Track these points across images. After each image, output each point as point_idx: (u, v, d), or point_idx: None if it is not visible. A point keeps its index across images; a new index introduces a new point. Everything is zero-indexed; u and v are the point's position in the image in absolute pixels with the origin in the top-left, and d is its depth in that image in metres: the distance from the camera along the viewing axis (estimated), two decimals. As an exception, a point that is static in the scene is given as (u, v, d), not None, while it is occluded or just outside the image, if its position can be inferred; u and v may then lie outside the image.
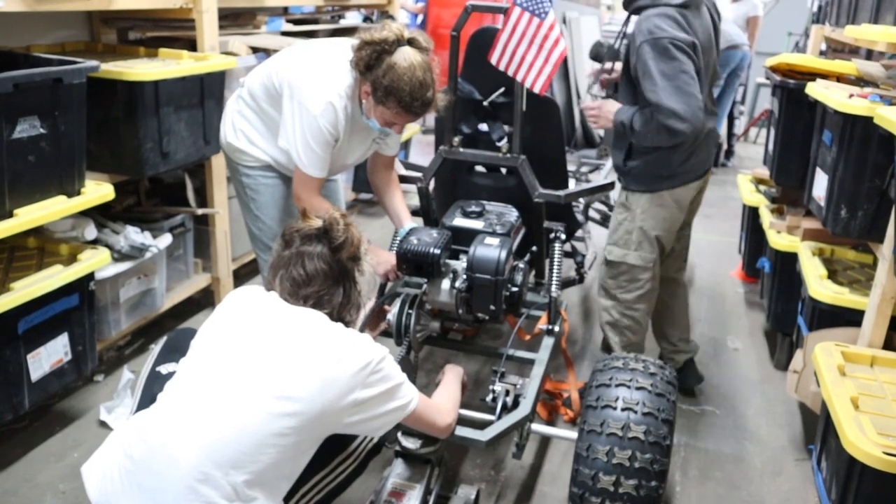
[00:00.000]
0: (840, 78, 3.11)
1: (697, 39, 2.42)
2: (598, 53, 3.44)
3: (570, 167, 3.50)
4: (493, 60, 2.41)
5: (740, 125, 7.87)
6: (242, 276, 3.90)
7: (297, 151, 2.31)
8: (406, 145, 5.36)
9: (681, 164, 2.58)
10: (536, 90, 2.34)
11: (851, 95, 2.49)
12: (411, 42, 2.19)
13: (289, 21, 4.14)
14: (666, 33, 2.35)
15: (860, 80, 3.00)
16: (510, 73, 2.37)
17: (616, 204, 2.76)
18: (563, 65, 6.76)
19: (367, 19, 7.04)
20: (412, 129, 5.37)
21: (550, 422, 2.80)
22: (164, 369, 1.89)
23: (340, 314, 1.72)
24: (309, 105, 2.25)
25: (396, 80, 2.14)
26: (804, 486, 2.57)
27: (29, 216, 2.29)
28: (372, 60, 2.16)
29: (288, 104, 2.31)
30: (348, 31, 4.72)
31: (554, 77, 6.08)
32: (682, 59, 2.34)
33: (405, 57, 2.15)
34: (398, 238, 2.56)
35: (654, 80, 2.36)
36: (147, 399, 1.73)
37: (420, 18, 8.80)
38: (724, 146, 7.09)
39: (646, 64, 2.37)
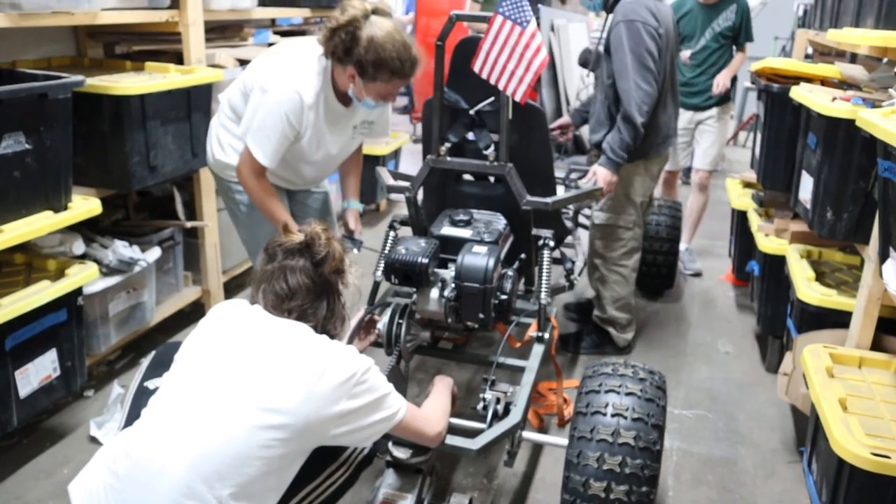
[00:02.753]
0: (824, 81, 3.13)
1: (663, 27, 2.92)
2: (586, 60, 3.46)
3: (560, 174, 3.50)
4: (476, 68, 2.41)
5: (728, 129, 7.89)
6: (233, 288, 3.89)
7: (251, 132, 2.33)
8: (396, 154, 5.37)
9: (653, 142, 3.10)
10: (517, 98, 2.35)
11: (834, 98, 2.51)
12: (375, 12, 2.24)
13: (276, 33, 4.15)
14: (639, 17, 2.86)
15: (843, 84, 3.02)
16: (492, 80, 2.38)
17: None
18: (552, 72, 6.80)
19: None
20: (402, 138, 5.38)
21: (542, 429, 2.80)
22: (151, 384, 1.88)
23: (325, 327, 1.72)
24: (275, 94, 2.28)
25: (381, 50, 2.18)
26: (796, 488, 2.58)
27: (15, 232, 2.28)
28: (348, 43, 2.19)
29: (255, 95, 2.34)
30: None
31: (543, 84, 6.11)
32: (647, 41, 2.85)
33: (379, 27, 2.19)
34: (345, 206, 2.87)
35: (624, 53, 2.87)
36: (135, 415, 1.72)
37: (409, 28, 8.83)
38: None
39: (620, 39, 2.88)
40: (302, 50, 2.38)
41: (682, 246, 4.49)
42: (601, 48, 3.14)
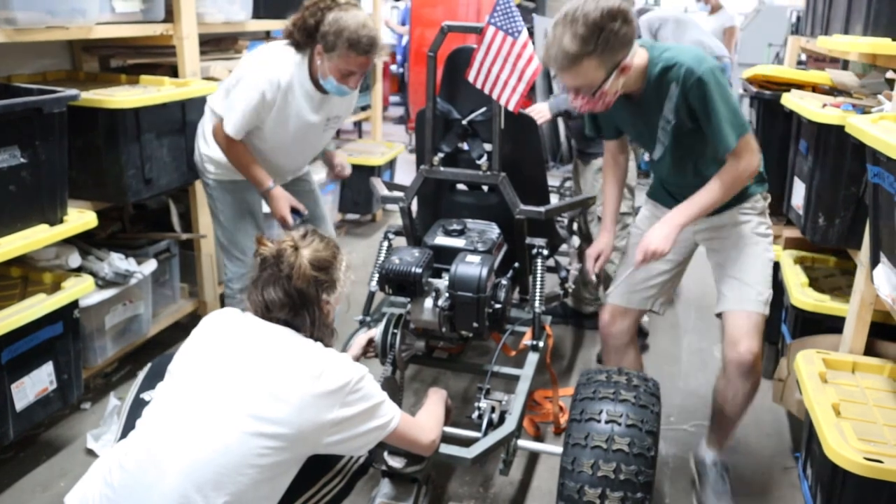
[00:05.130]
0: (815, 88, 3.16)
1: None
2: None
3: (555, 182, 3.53)
4: (471, 79, 2.43)
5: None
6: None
7: (228, 102, 2.60)
8: (391, 165, 5.38)
9: None
10: (510, 107, 2.37)
11: (825, 105, 2.53)
12: (346, 2, 2.50)
13: (271, 45, 4.16)
14: None
15: (834, 90, 3.04)
16: (486, 90, 2.39)
17: (595, 170, 3.43)
18: (547, 80, 6.83)
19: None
20: (397, 148, 5.40)
21: (538, 438, 2.81)
22: (147, 396, 1.88)
23: (315, 335, 1.72)
24: (255, 75, 2.54)
25: (342, 23, 2.42)
26: (792, 493, 2.58)
27: (11, 245, 2.29)
28: (317, 19, 2.46)
29: (239, 80, 2.59)
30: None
31: (538, 93, 6.15)
32: None
33: (344, 9, 2.46)
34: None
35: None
36: (131, 426, 1.72)
37: (405, 39, 8.87)
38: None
39: None
40: (281, 47, 2.61)
41: None
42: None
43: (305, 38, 2.53)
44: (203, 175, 2.93)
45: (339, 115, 2.83)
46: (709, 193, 2.18)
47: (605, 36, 1.94)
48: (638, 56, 2.09)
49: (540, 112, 3.18)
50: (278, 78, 2.54)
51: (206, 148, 2.84)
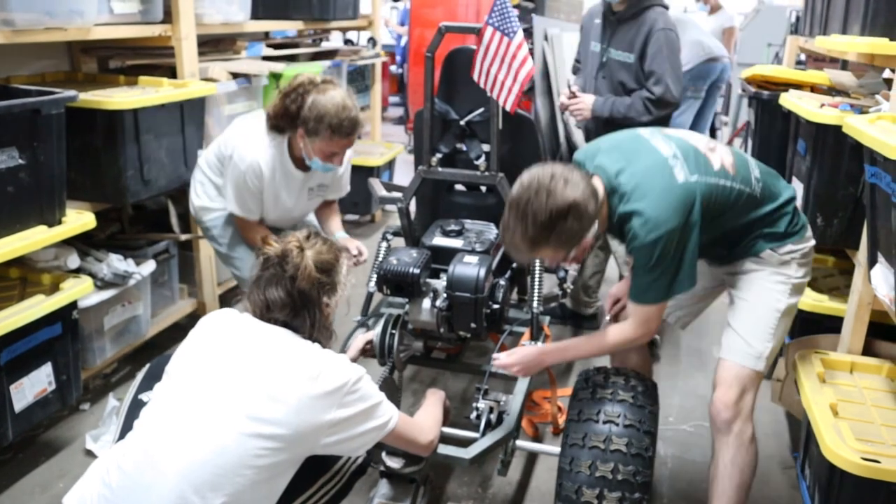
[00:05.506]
0: (814, 88, 3.16)
1: None
2: (578, 69, 3.49)
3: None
4: (475, 77, 2.44)
5: (723, 136, 7.93)
6: (228, 300, 3.90)
7: (232, 202, 2.72)
8: (391, 165, 5.39)
9: None
10: (507, 108, 2.37)
11: (822, 105, 2.53)
12: (323, 82, 2.55)
13: (269, 45, 4.17)
14: (674, 29, 3.05)
15: (832, 90, 3.04)
16: (487, 90, 2.40)
17: None
18: (546, 81, 6.83)
19: (348, 42, 7.10)
20: (396, 149, 5.40)
21: (537, 438, 2.81)
22: (146, 397, 1.89)
23: (313, 337, 1.72)
24: (240, 163, 2.62)
25: (322, 107, 2.46)
26: (791, 494, 2.58)
27: (9, 246, 2.28)
28: (298, 104, 2.50)
29: (228, 162, 2.68)
30: (329, 55, 4.76)
31: (537, 93, 6.11)
32: (678, 51, 3.05)
33: (322, 91, 2.50)
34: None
35: (663, 61, 2.99)
36: (129, 427, 1.72)
37: (404, 39, 8.88)
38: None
39: (661, 48, 3.00)
40: (262, 129, 2.66)
41: None
42: (616, 53, 3.17)
43: (288, 124, 2.59)
44: (202, 223, 2.95)
45: (325, 184, 2.86)
46: (588, 344, 2.16)
47: (557, 234, 1.83)
48: (602, 209, 1.93)
49: (582, 109, 3.19)
50: (258, 164, 2.61)
51: (198, 199, 2.91)
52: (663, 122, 3.08)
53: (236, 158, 2.63)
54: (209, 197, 2.88)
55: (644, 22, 3.05)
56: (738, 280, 2.13)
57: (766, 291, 2.07)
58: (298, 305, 1.69)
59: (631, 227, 1.89)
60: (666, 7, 3.14)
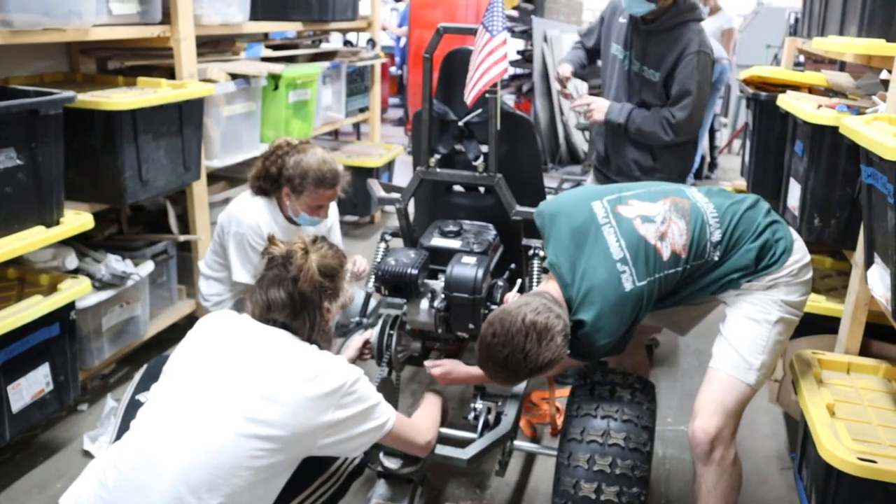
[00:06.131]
0: (811, 89, 3.16)
1: None
2: (579, 50, 3.45)
3: (553, 183, 3.52)
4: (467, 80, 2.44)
5: (722, 137, 7.94)
6: (227, 301, 3.89)
7: (240, 270, 2.75)
8: (390, 166, 5.39)
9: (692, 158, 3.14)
10: (466, 100, 2.37)
11: (820, 106, 2.53)
12: (301, 143, 2.69)
13: (268, 47, 4.18)
14: (710, 52, 2.93)
15: (830, 91, 3.05)
16: (466, 89, 2.40)
17: None
18: (546, 82, 6.84)
19: (347, 43, 7.11)
20: (396, 150, 5.41)
21: (535, 439, 2.81)
22: (143, 397, 1.89)
23: (312, 339, 1.72)
24: (240, 229, 2.70)
25: (304, 164, 2.59)
26: (788, 494, 2.58)
27: (7, 247, 2.29)
28: (278, 165, 2.63)
29: (229, 241, 2.75)
30: (328, 56, 4.76)
31: (536, 94, 6.03)
32: (710, 77, 2.93)
33: (302, 151, 2.63)
34: None
35: (693, 87, 2.86)
36: (126, 428, 1.72)
37: (403, 41, 8.88)
38: (707, 158, 7.16)
39: (692, 71, 2.85)
40: (249, 197, 2.79)
41: None
42: (642, 69, 2.97)
43: (271, 185, 2.70)
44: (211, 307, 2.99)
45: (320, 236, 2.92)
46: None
47: (534, 373, 1.88)
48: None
49: (594, 112, 3.06)
50: (257, 223, 2.70)
51: (205, 285, 2.99)
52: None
53: (235, 226, 2.71)
54: (206, 279, 2.97)
55: (678, 40, 2.87)
56: (729, 297, 2.11)
57: (758, 304, 2.04)
58: (299, 307, 1.69)
59: (581, 335, 1.96)
60: (702, 20, 2.95)
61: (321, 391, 1.57)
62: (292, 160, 2.61)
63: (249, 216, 2.71)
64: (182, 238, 3.40)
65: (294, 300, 1.68)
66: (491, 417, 2.23)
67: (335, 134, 6.02)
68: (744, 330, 2.03)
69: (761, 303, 2.03)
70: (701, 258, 2.00)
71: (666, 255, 1.96)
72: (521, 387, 2.39)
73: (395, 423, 1.75)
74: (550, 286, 2.03)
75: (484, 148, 2.62)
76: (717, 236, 2.00)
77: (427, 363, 2.31)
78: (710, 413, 1.98)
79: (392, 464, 2.06)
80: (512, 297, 2.28)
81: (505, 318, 1.84)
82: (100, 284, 2.85)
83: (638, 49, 2.95)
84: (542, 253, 2.68)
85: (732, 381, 2.00)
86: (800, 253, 2.06)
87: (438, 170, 2.65)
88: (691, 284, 2.04)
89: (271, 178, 2.68)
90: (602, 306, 1.92)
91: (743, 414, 2.05)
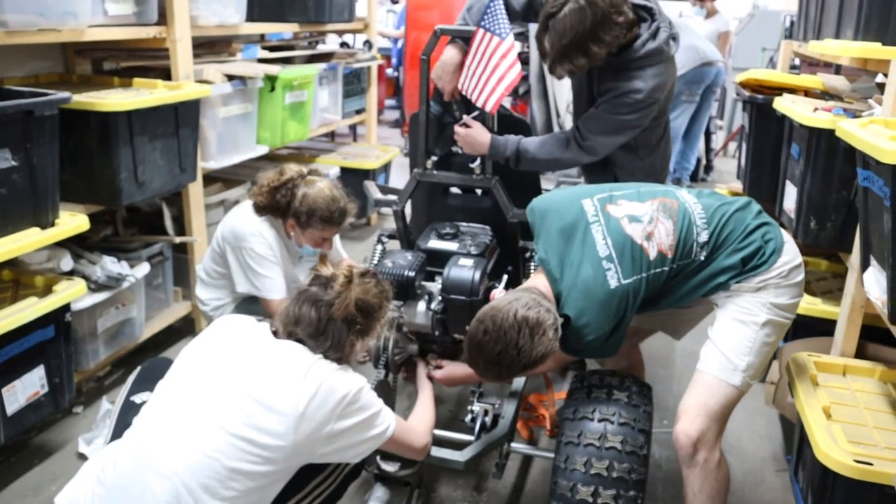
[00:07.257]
0: (807, 92, 3.17)
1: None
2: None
3: (549, 185, 3.51)
4: (460, 85, 2.44)
5: (718, 140, 7.96)
6: (223, 302, 3.88)
7: (254, 285, 2.65)
8: (386, 168, 5.38)
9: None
10: (487, 108, 2.36)
11: (816, 109, 2.54)
12: (310, 173, 2.65)
13: (265, 48, 4.17)
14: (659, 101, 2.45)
15: (826, 94, 3.05)
16: (466, 93, 2.40)
17: None
18: (542, 84, 6.84)
19: (344, 45, 7.10)
20: (392, 152, 5.40)
21: (532, 441, 2.81)
22: (138, 399, 1.89)
23: (327, 356, 1.70)
24: (250, 241, 2.61)
25: (312, 202, 2.55)
26: (784, 497, 2.58)
27: (2, 249, 2.27)
28: (288, 198, 2.58)
29: (234, 253, 2.66)
30: (325, 57, 4.76)
31: (533, 96, 6.05)
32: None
33: (311, 185, 2.58)
34: None
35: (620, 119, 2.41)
36: (121, 429, 1.73)
37: (400, 43, 8.88)
38: (703, 161, 7.18)
39: (627, 110, 2.39)
40: (252, 215, 2.67)
41: None
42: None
43: (275, 213, 2.65)
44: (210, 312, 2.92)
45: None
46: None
47: (527, 368, 1.90)
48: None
49: (471, 144, 2.62)
50: (265, 235, 2.64)
51: (204, 292, 2.89)
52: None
53: (245, 240, 2.61)
54: (214, 287, 2.86)
55: (632, 79, 2.33)
56: (720, 299, 2.09)
57: (746, 306, 2.01)
58: (323, 329, 1.67)
59: (569, 330, 1.98)
60: (663, 63, 2.39)
61: (326, 403, 1.56)
62: (300, 193, 2.57)
63: (257, 230, 2.64)
64: (178, 240, 3.39)
65: (322, 322, 1.67)
66: (488, 420, 2.23)
67: (331, 135, 6.01)
68: (730, 331, 2.02)
69: (749, 304, 2.01)
70: (687, 258, 2.01)
71: (652, 254, 1.97)
72: (518, 387, 2.39)
73: (395, 428, 1.75)
74: (539, 281, 2.05)
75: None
76: (704, 237, 2.01)
77: (429, 370, 2.32)
78: (693, 415, 1.97)
79: (389, 467, 2.06)
80: (498, 293, 2.27)
81: (496, 314, 1.85)
82: (95, 286, 2.84)
83: (597, 75, 2.50)
84: (538, 254, 2.68)
85: (718, 382, 2.00)
86: (790, 255, 2.04)
87: (435, 172, 2.64)
88: (680, 285, 2.05)
89: (280, 209, 2.62)
90: (588, 302, 1.95)
91: (730, 416, 2.04)
